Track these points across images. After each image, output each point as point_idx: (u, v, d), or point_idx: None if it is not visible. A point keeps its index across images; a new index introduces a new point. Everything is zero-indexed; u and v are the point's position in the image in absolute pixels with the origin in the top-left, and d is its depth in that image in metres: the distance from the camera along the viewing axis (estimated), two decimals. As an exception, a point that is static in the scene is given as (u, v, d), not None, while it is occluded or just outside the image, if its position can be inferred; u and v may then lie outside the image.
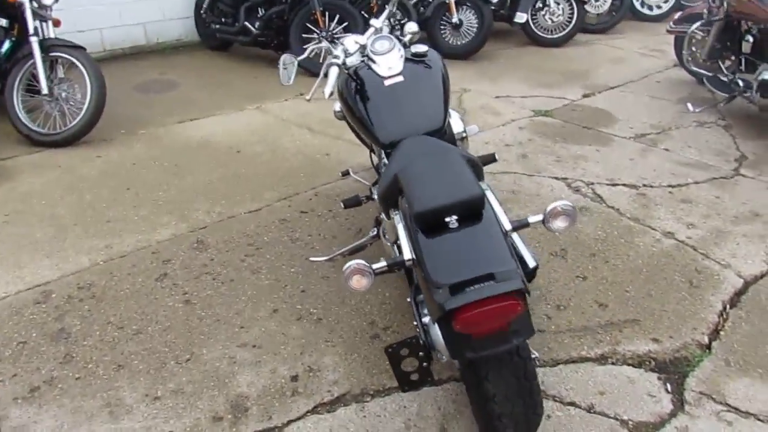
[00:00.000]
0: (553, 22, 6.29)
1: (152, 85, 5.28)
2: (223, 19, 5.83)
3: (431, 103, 2.30)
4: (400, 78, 2.37)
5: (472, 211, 1.56)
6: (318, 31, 5.34)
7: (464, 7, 5.86)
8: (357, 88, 2.42)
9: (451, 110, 2.57)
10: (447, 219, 1.54)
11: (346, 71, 2.41)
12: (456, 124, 2.52)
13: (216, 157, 3.87)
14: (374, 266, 1.60)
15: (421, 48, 2.49)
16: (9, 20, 4.15)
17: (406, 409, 2.02)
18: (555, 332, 2.35)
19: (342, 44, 2.52)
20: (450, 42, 5.96)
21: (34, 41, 3.93)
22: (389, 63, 2.41)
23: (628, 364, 2.21)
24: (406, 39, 2.71)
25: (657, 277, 2.67)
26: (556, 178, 3.54)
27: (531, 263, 2.08)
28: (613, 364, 2.22)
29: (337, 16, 5.33)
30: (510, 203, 3.26)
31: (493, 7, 6.01)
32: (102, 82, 3.96)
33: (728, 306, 2.50)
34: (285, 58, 2.43)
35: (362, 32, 2.62)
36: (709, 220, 3.11)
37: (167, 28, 6.34)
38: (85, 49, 4.07)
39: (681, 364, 2.21)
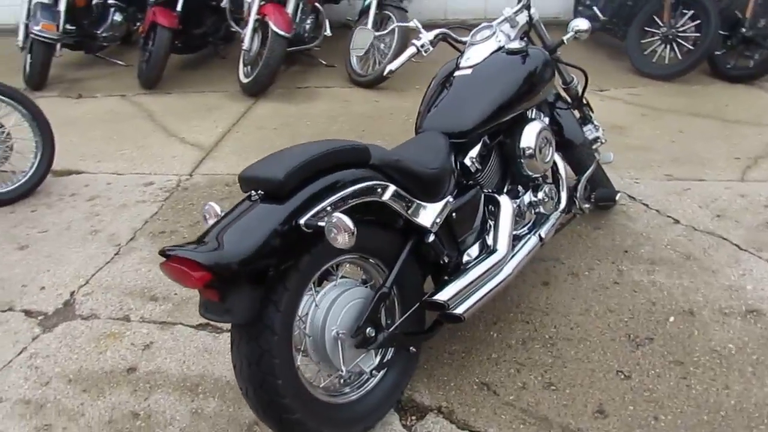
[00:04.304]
0: None
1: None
2: (587, 2, 5.63)
3: (474, 105, 2.11)
4: (468, 71, 2.21)
5: (269, 191, 1.55)
6: (661, 25, 4.68)
7: None
8: (441, 75, 2.37)
9: (535, 123, 2.23)
10: (253, 192, 1.59)
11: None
12: (527, 139, 2.17)
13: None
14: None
15: (516, 45, 2.23)
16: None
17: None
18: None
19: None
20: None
21: (374, -2, 4.81)
22: (471, 54, 2.28)
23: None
24: (566, 37, 2.43)
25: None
26: (775, 266, 2.52)
27: (440, 297, 1.82)
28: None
29: (690, 12, 4.54)
30: (657, 265, 2.54)
31: None
32: (404, 43, 4.55)
33: None
34: (361, 28, 2.52)
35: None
36: None
37: (548, 4, 6.39)
38: (405, 10, 4.72)
39: None
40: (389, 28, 2.57)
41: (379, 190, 1.69)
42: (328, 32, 5.15)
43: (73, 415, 1.95)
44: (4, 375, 2.12)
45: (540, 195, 2.26)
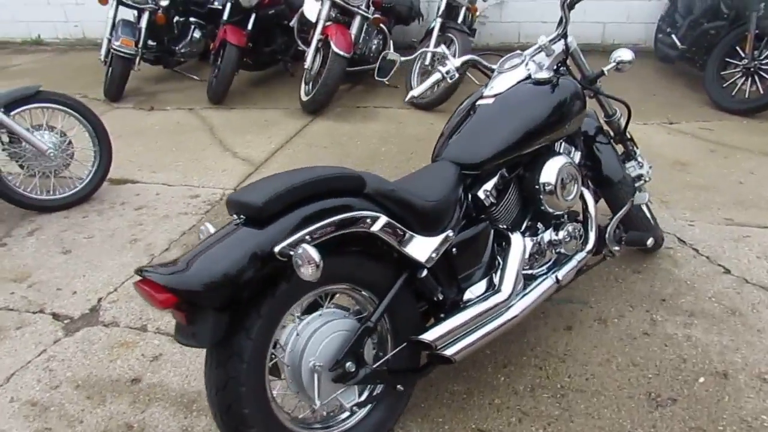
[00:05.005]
0: None
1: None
2: (668, 30, 5.31)
3: (490, 136, 2.02)
4: (490, 101, 2.12)
5: (249, 215, 1.53)
6: (743, 56, 4.33)
7: None
8: (465, 104, 2.29)
9: (558, 158, 2.10)
10: (236, 216, 1.58)
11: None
12: (547, 174, 2.05)
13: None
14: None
15: (544, 74, 2.12)
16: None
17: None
18: None
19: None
20: None
21: (438, 21, 4.77)
22: (496, 83, 2.19)
23: None
24: (607, 67, 2.30)
25: None
26: (836, 330, 2.22)
27: (426, 336, 1.73)
28: None
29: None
30: (696, 318, 2.31)
31: None
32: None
33: None
34: (387, 53, 2.48)
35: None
36: None
37: (627, 30, 6.16)
38: (468, 33, 4.66)
39: None
40: (416, 54, 2.52)
41: (368, 220, 1.63)
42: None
43: (72, 422, 2.01)
44: (20, 375, 2.22)
45: (561, 234, 2.12)
